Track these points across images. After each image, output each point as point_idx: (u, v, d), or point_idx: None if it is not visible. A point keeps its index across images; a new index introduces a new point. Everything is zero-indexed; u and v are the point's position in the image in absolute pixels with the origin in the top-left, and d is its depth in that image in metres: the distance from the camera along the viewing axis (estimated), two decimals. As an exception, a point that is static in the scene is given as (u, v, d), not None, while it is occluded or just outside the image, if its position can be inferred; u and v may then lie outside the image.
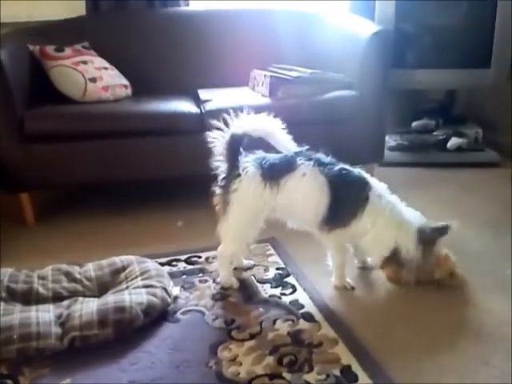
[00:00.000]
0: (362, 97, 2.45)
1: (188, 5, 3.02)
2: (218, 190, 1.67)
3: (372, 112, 2.50)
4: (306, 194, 1.61)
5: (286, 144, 1.64)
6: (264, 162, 1.63)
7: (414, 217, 1.69)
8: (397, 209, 1.67)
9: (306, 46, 2.85)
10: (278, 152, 1.67)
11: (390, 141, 3.09)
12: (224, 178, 1.65)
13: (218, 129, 1.64)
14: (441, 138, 3.05)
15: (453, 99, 3.24)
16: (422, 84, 3.04)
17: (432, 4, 2.98)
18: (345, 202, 1.63)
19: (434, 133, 3.11)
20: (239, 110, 2.28)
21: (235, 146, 1.63)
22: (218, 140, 1.64)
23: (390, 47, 2.47)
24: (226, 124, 1.63)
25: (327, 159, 1.66)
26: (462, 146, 3.01)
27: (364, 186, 1.65)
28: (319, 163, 1.63)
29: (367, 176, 1.69)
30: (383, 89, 2.51)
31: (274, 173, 1.61)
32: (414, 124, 3.19)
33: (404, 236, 1.64)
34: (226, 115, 1.63)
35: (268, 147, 1.68)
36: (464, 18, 2.97)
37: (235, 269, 1.82)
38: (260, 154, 1.67)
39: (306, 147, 1.67)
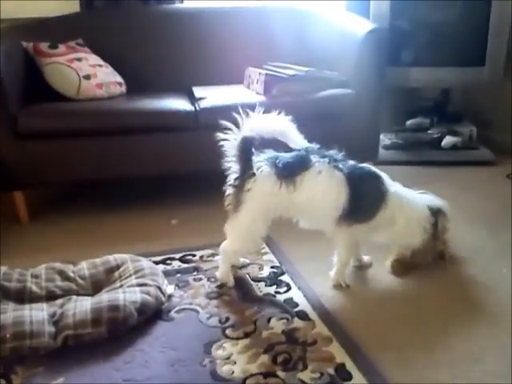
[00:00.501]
0: (357, 95, 2.45)
1: (182, 2, 3.01)
2: (230, 190, 1.66)
3: (367, 110, 2.50)
4: (324, 190, 1.62)
5: (299, 142, 1.64)
6: (277, 160, 1.63)
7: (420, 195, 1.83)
8: (410, 192, 1.78)
9: (301, 44, 2.85)
10: (288, 150, 1.67)
11: (385, 139, 3.09)
12: (237, 178, 1.65)
13: (229, 129, 1.62)
14: (435, 136, 3.06)
15: (448, 97, 3.25)
16: (417, 82, 3.04)
17: (426, 2, 2.98)
18: (365, 196, 1.66)
19: (429, 131, 3.11)
20: (234, 107, 2.29)
21: (247, 147, 1.63)
22: (229, 142, 1.63)
23: (385, 45, 2.48)
24: (237, 124, 1.62)
25: (339, 156, 1.68)
26: (456, 144, 3.01)
27: (378, 178, 1.69)
28: (333, 160, 1.65)
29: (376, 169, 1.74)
30: (378, 87, 2.51)
31: (289, 171, 1.62)
32: (409, 122, 3.19)
33: (431, 213, 1.75)
34: (236, 115, 1.62)
35: (277, 145, 1.68)
36: (459, 15, 2.98)
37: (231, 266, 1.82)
38: (271, 152, 1.67)
39: (318, 145, 1.68)
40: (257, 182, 1.62)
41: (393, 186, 1.72)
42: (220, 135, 1.62)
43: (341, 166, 1.65)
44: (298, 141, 1.63)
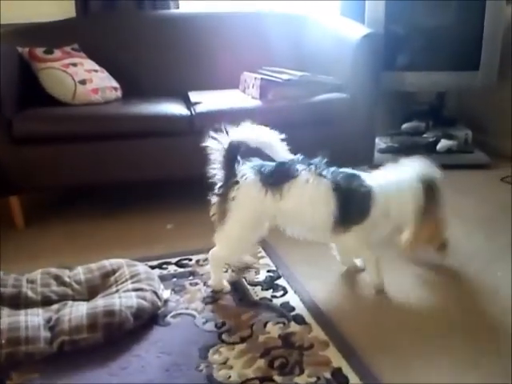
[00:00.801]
0: (352, 99, 2.46)
1: (178, 7, 3.02)
2: (214, 199, 1.65)
3: (362, 114, 2.51)
4: (313, 199, 1.61)
5: (283, 155, 1.65)
6: (263, 168, 1.62)
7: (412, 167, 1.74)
8: (396, 175, 1.71)
9: (296, 48, 2.86)
10: (274, 160, 1.68)
11: (380, 143, 3.10)
12: (221, 186, 1.64)
13: (215, 136, 1.63)
14: (431, 140, 3.07)
15: (443, 101, 3.26)
16: (412, 86, 3.05)
17: (421, 6, 3.00)
18: (352, 199, 1.63)
19: (424, 135, 3.12)
20: (229, 112, 2.30)
21: (233, 154, 1.62)
22: (216, 148, 1.63)
23: (380, 50, 2.49)
24: (224, 131, 1.62)
25: (323, 163, 1.66)
26: (451, 148, 3.03)
27: (359, 178, 1.66)
28: (318, 168, 1.63)
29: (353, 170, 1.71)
30: (373, 91, 2.52)
31: (275, 180, 1.60)
32: (404, 126, 3.20)
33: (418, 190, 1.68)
34: (224, 123, 1.62)
35: (264, 156, 1.68)
36: (453, 20, 3.00)
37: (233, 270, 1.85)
38: (257, 161, 1.66)
39: (302, 156, 1.67)
40: (241, 189, 1.61)
41: (374, 179, 1.68)
42: (207, 141, 1.62)
43: (325, 172, 1.62)
44: (282, 154, 1.64)
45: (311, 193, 1.61)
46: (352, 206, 1.64)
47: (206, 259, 1.92)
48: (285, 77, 2.43)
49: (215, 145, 1.62)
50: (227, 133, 1.61)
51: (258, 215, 1.64)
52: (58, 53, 2.48)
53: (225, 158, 1.62)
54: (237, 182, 1.61)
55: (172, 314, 1.62)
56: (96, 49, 2.67)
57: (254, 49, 2.87)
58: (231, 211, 1.62)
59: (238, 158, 1.64)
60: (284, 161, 1.65)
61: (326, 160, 1.67)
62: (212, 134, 1.62)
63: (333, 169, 1.66)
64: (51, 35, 2.65)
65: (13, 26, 2.63)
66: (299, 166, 1.63)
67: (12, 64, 2.36)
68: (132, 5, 2.88)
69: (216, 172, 1.65)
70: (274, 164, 1.65)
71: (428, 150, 3.05)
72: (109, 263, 1.77)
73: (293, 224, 1.70)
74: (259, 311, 1.62)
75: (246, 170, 1.63)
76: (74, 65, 2.47)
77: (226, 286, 1.75)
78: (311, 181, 1.61)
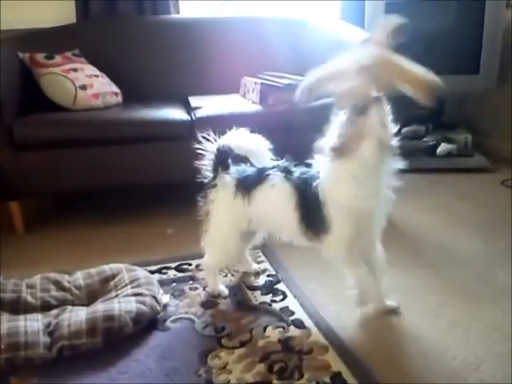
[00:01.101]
0: (351, 103, 2.45)
1: (178, 12, 3.03)
2: (202, 201, 1.68)
3: (362, 118, 2.50)
4: (276, 204, 1.57)
5: (265, 163, 1.64)
6: (242, 172, 1.63)
7: None
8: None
9: (296, 53, 2.86)
10: None
11: (380, 147, 3.10)
12: (205, 189, 1.66)
13: (208, 140, 1.65)
14: (431, 143, 3.07)
15: (442, 105, 3.26)
16: (412, 90, 3.05)
17: (421, 11, 3.00)
18: (311, 205, 1.51)
19: (424, 139, 3.13)
20: (229, 117, 2.30)
21: (221, 158, 1.64)
22: (207, 151, 1.65)
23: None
24: (217, 135, 1.64)
25: (293, 165, 1.59)
26: (451, 151, 3.03)
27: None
28: (286, 171, 1.57)
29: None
30: (373, 95, 2.52)
31: (247, 184, 1.61)
32: (404, 130, 3.19)
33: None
34: (224, 128, 1.63)
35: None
36: (452, 24, 3.00)
37: (244, 273, 1.87)
38: (244, 166, 1.66)
39: (284, 161, 1.63)
40: (218, 192, 1.63)
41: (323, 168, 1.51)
42: (198, 146, 1.64)
43: (291, 176, 1.55)
44: (264, 161, 1.63)
45: (274, 198, 1.57)
46: (312, 211, 1.52)
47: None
48: (285, 81, 2.43)
49: (207, 148, 1.64)
50: (216, 139, 1.63)
51: (235, 218, 1.64)
52: (58, 58, 2.49)
53: (213, 161, 1.65)
54: (215, 185, 1.64)
55: (171, 318, 1.62)
56: (96, 54, 2.68)
57: (254, 53, 2.88)
58: (211, 214, 1.65)
59: (229, 161, 1.65)
60: (264, 166, 1.63)
61: (295, 162, 1.61)
62: (202, 138, 1.64)
63: (300, 170, 1.56)
64: (52, 41, 2.67)
65: (14, 32, 2.65)
66: (269, 171, 1.59)
67: (13, 69, 2.37)
68: (132, 9, 2.89)
69: (207, 175, 1.67)
70: (251, 168, 1.65)
71: (428, 153, 3.05)
72: (108, 268, 1.77)
73: (265, 228, 1.70)
74: (259, 316, 1.61)
75: (228, 173, 1.64)
76: (75, 70, 2.48)
77: (224, 290, 1.75)
78: (276, 186, 1.56)
